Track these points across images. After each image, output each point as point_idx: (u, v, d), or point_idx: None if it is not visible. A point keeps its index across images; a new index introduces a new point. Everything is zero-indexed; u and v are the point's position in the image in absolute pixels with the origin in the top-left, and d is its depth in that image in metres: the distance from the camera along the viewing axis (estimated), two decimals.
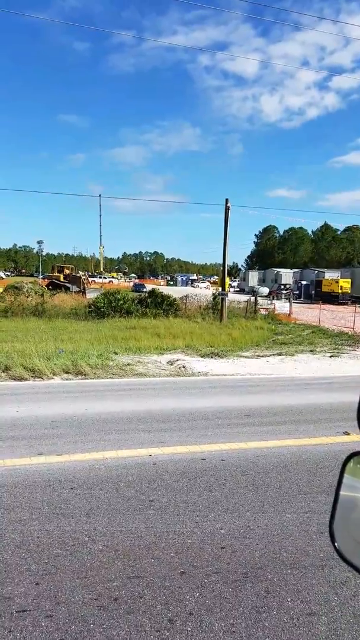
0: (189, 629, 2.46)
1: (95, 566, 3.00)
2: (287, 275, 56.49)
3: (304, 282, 47.28)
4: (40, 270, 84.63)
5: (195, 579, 2.88)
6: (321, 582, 2.89)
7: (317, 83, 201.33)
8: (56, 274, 48.58)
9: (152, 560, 3.08)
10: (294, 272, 57.61)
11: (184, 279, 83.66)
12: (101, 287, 43.12)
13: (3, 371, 9.46)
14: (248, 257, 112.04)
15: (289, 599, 2.72)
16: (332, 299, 37.37)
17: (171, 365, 11.25)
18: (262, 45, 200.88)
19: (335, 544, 1.13)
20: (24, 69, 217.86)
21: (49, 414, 6.61)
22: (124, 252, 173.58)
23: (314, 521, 3.66)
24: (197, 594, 2.74)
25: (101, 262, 71.68)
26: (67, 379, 9.39)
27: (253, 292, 40.64)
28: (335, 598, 2.74)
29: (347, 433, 6.01)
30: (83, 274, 57.57)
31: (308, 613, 2.61)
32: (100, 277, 71.27)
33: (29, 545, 3.24)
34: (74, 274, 49.88)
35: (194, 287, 65.37)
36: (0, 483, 4.26)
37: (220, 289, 25.46)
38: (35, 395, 7.97)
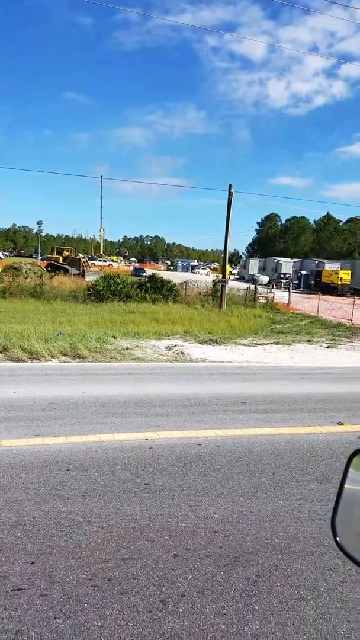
0: (181, 610, 2.52)
1: (90, 547, 3.05)
2: (287, 265, 56.42)
3: (303, 272, 47.17)
4: (39, 251, 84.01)
5: (188, 562, 2.94)
6: (311, 567, 2.95)
7: (325, 70, 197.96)
8: (55, 255, 48.10)
9: (146, 543, 3.13)
10: (294, 262, 57.50)
11: (185, 264, 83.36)
12: (101, 270, 42.83)
13: (1, 352, 9.48)
14: (249, 244, 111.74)
15: (279, 584, 2.78)
16: (331, 290, 37.33)
17: (169, 350, 11.28)
18: (270, 28, 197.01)
19: (337, 539, 1.13)
20: (24, 42, 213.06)
21: (46, 396, 6.64)
22: (125, 236, 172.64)
23: (306, 508, 3.72)
24: (190, 577, 2.80)
25: (101, 244, 71.02)
26: (65, 362, 9.42)
27: (253, 280, 40.60)
28: (324, 584, 2.80)
29: (341, 423, 6.07)
30: (83, 256, 57.20)
31: (297, 598, 2.67)
32: (100, 260, 70.90)
33: (25, 525, 3.28)
34: (73, 256, 49.46)
35: (194, 273, 65.17)
36: None
37: (220, 275, 25.40)
38: (32, 376, 8.00)
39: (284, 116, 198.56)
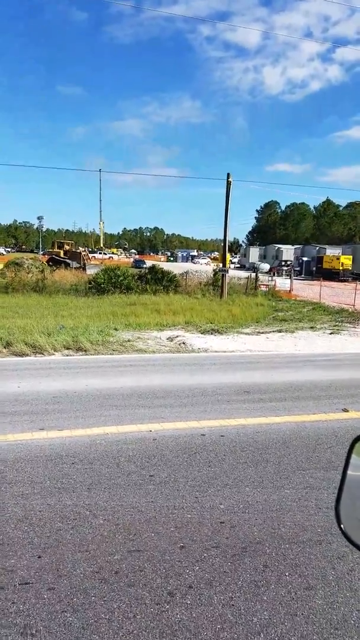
0: (189, 602, 2.51)
1: (96, 540, 3.05)
2: (288, 252, 56.09)
3: (305, 259, 46.99)
4: (40, 246, 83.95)
5: (194, 553, 2.93)
6: (319, 557, 2.94)
7: (320, 55, 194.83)
8: (56, 249, 48.29)
9: (152, 535, 3.12)
10: (295, 249, 57.20)
11: (185, 254, 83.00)
12: (101, 263, 42.84)
13: (5, 347, 9.47)
14: (249, 232, 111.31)
15: (287, 574, 2.76)
16: (333, 275, 37.26)
17: (171, 341, 11.26)
18: (264, 15, 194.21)
19: (341, 526, 1.11)
20: (18, 36, 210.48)
21: (50, 390, 6.63)
22: (124, 228, 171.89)
23: (313, 497, 3.70)
24: (197, 568, 2.79)
25: (101, 237, 70.97)
26: (68, 355, 9.41)
27: (254, 268, 40.43)
28: (333, 572, 2.79)
29: (345, 410, 6.04)
30: (83, 249, 57.14)
31: (306, 587, 2.65)
32: (100, 253, 70.78)
33: (31, 519, 3.28)
34: (74, 249, 49.58)
35: (194, 263, 64.98)
36: (2, 458, 4.30)
37: (220, 265, 25.31)
38: (36, 370, 7.99)
39: (280, 102, 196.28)
